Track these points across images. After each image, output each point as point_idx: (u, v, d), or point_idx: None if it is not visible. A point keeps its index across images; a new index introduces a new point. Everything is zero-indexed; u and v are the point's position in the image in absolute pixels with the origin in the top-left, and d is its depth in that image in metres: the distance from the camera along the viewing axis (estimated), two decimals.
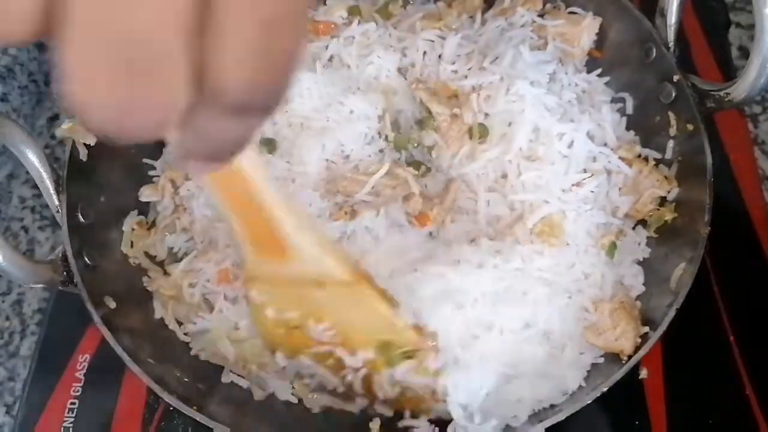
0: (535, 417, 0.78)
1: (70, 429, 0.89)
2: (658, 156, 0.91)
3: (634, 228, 0.90)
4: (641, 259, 0.88)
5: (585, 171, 0.86)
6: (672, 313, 0.76)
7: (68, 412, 0.91)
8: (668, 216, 0.88)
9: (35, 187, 1.15)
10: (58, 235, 1.11)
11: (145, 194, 0.96)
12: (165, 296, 0.90)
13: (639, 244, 0.89)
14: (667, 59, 0.89)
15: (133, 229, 0.94)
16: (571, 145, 0.86)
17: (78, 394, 0.92)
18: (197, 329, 0.87)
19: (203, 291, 0.88)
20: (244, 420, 0.82)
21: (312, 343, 0.74)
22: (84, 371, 0.93)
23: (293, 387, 0.84)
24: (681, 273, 0.80)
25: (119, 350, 0.78)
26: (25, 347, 1.03)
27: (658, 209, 0.89)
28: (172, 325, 0.89)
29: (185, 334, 0.89)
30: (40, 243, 1.12)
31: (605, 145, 0.90)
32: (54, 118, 1.24)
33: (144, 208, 0.97)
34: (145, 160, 0.99)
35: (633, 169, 0.89)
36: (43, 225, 1.13)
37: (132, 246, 0.94)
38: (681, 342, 0.86)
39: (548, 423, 0.74)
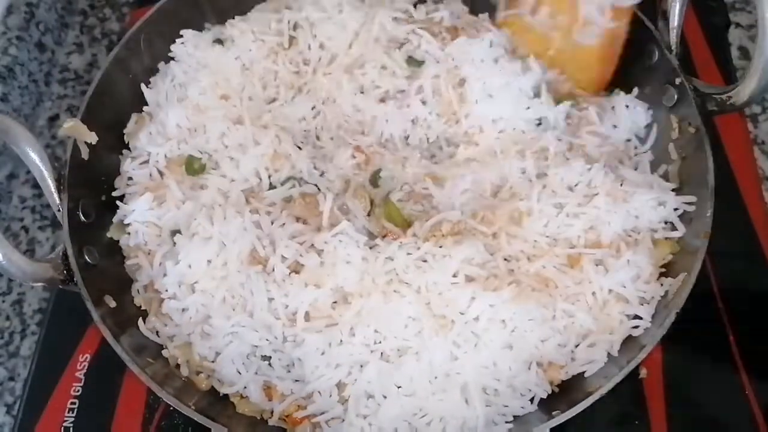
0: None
1: (70, 429, 0.90)
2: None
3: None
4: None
5: None
6: (672, 316, 0.76)
7: (68, 412, 0.91)
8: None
9: (35, 187, 1.15)
10: (58, 235, 1.11)
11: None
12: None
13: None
14: (670, 62, 0.89)
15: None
16: None
17: (78, 394, 0.92)
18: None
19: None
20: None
21: None
22: (84, 371, 0.93)
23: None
24: (683, 275, 0.80)
25: (118, 349, 0.78)
26: (25, 347, 1.03)
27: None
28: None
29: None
30: (41, 243, 1.12)
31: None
32: (54, 118, 1.24)
33: None
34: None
35: None
36: (44, 225, 1.14)
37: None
38: (681, 342, 0.86)
39: (553, 423, 0.73)
